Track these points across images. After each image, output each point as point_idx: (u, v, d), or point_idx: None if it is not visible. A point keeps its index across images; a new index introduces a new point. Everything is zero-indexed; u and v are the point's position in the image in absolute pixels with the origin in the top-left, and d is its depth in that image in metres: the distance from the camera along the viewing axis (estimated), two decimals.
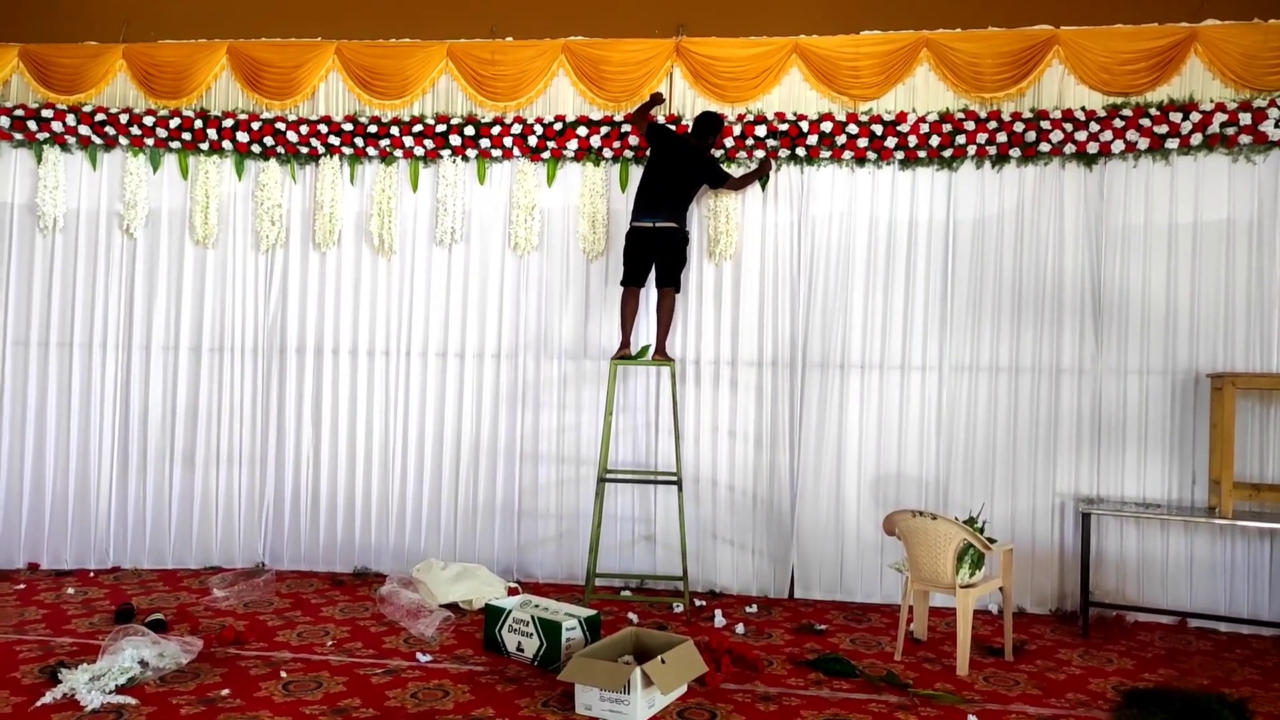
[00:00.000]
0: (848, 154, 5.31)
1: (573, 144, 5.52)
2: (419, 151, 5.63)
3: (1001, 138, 5.17)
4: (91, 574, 5.47)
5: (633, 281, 5.23)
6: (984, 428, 5.26)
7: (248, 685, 3.70)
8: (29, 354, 5.63)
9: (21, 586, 5.14)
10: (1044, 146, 5.14)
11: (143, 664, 3.71)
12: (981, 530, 4.20)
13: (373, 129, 5.62)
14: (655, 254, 5.17)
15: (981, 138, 5.18)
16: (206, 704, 3.49)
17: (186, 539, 5.69)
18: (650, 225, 5.12)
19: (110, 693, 3.47)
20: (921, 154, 5.26)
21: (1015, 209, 5.25)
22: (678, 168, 5.15)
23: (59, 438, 5.65)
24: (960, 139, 5.19)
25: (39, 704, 3.41)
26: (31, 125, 5.57)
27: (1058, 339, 5.20)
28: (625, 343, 5.20)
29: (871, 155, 5.30)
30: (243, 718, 3.37)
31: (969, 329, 5.28)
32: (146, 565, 5.64)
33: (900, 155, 5.29)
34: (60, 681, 3.54)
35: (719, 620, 4.75)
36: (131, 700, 3.46)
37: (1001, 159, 5.24)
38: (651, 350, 5.25)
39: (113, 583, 5.28)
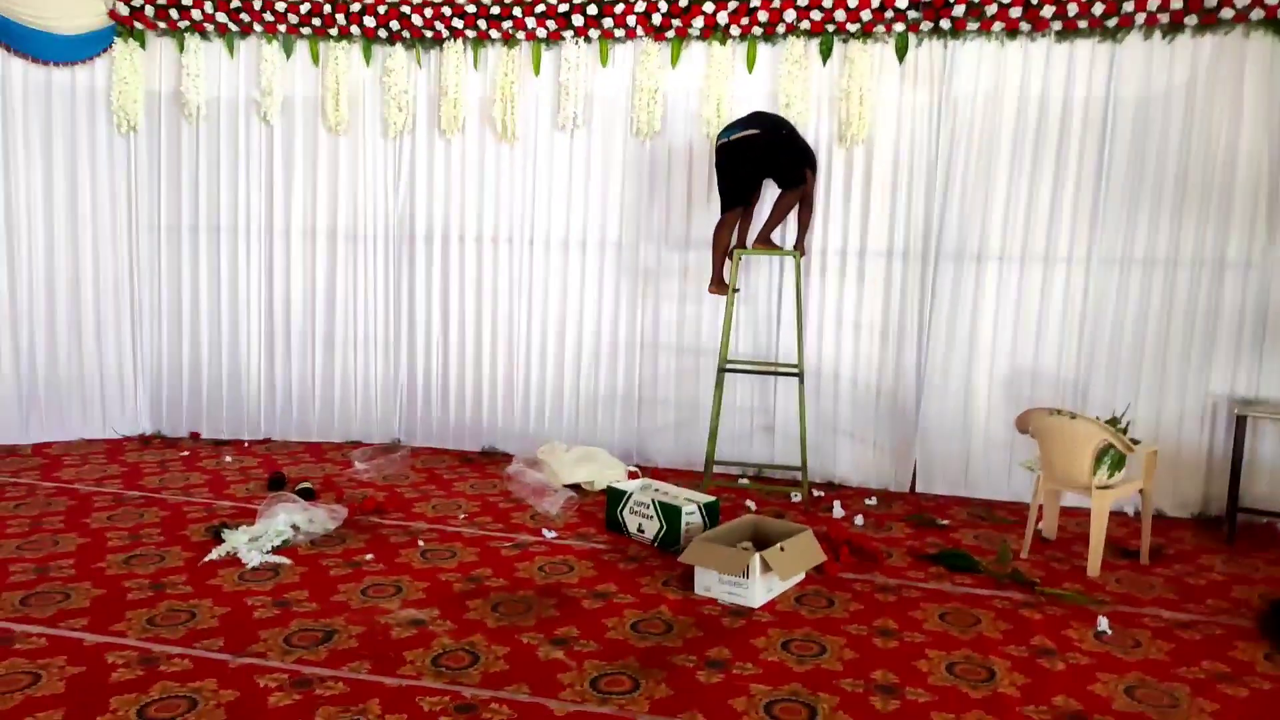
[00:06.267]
0: (998, 25, 4.88)
1: (699, 21, 5.28)
2: (541, 33, 5.51)
3: (1176, 3, 4.61)
4: (245, 444, 5.90)
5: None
6: (1133, 325, 4.93)
7: (389, 552, 3.95)
8: (180, 239, 5.95)
9: (186, 454, 5.60)
10: (1226, 12, 4.57)
11: (294, 528, 4.00)
12: (1125, 431, 3.99)
13: (495, 10, 5.52)
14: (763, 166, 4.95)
15: (1153, 3, 4.64)
16: (352, 567, 3.75)
17: (329, 415, 6.03)
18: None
19: (267, 553, 3.77)
20: (1082, 24, 4.78)
21: (1185, 85, 4.75)
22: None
23: (211, 319, 6.00)
24: (1128, 5, 4.67)
25: (206, 560, 3.75)
26: (173, 13, 5.71)
27: (1224, 229, 4.76)
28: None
29: (1025, 26, 4.86)
30: (386, 581, 3.61)
31: (1124, 218, 4.89)
32: (294, 438, 6.03)
33: (1058, 26, 4.81)
34: (223, 541, 3.87)
35: (838, 511, 4.74)
36: (286, 560, 3.75)
37: (1175, 28, 4.71)
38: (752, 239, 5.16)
39: (264, 453, 5.69)
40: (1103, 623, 3.35)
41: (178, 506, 4.51)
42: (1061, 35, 4.87)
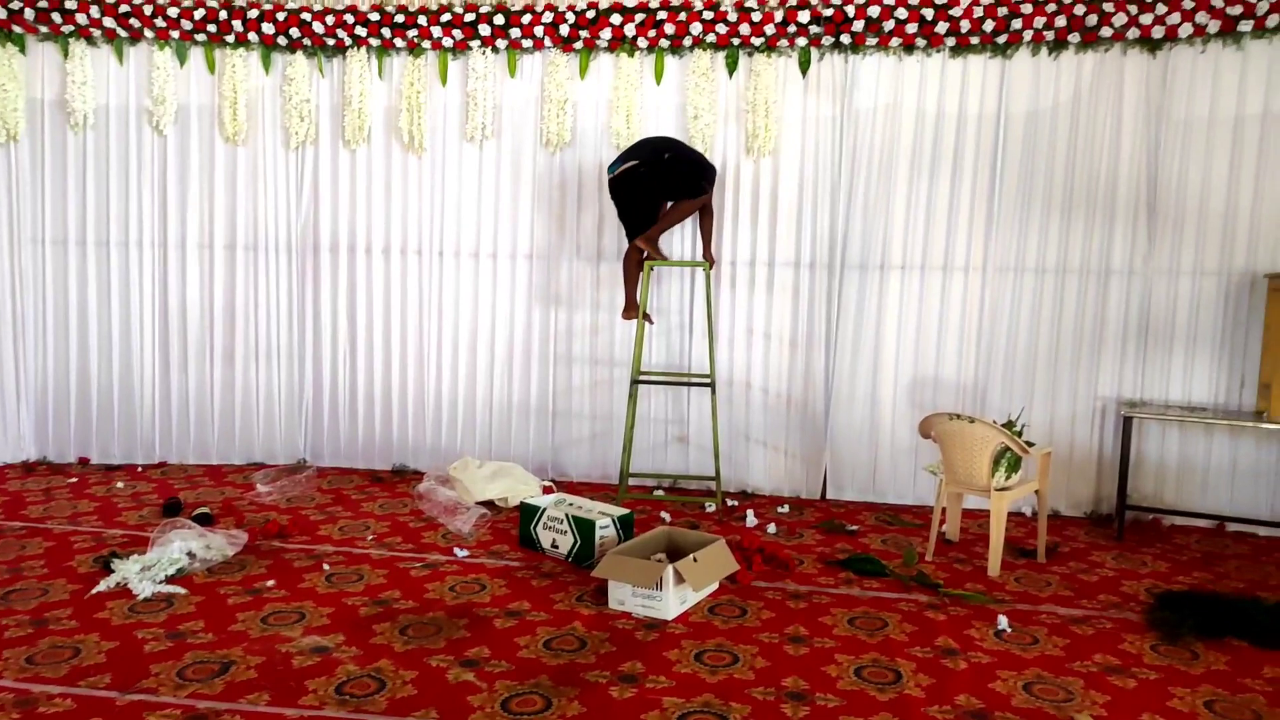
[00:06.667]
0: (895, 41, 5.04)
1: (606, 33, 5.29)
2: (447, 42, 5.44)
3: (1060, 21, 4.85)
4: (139, 469, 5.63)
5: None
6: (1026, 331, 5.13)
7: (292, 577, 3.82)
8: (67, 253, 5.66)
9: (74, 480, 5.31)
10: (1105, 31, 4.83)
11: (190, 555, 3.83)
12: (1020, 434, 4.14)
13: (400, 18, 5.43)
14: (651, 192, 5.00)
15: (1039, 21, 4.87)
16: (253, 594, 3.61)
17: (229, 435, 5.81)
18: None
19: (160, 583, 3.60)
20: (974, 40, 4.97)
21: (1071, 100, 4.99)
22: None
23: (101, 336, 5.72)
24: (1016, 23, 4.89)
25: (94, 592, 3.55)
26: (56, 17, 5.44)
27: (1108, 238, 5.01)
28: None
29: (921, 42, 5.03)
30: (288, 608, 3.48)
31: (1016, 228, 5.09)
32: (192, 460, 5.79)
33: (951, 42, 5.00)
34: (113, 571, 3.67)
35: (751, 520, 4.79)
36: (181, 590, 3.58)
37: (1059, 45, 4.94)
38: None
39: (160, 477, 5.44)
40: (1003, 621, 3.46)
41: (64, 537, 4.27)
42: (955, 51, 5.05)
